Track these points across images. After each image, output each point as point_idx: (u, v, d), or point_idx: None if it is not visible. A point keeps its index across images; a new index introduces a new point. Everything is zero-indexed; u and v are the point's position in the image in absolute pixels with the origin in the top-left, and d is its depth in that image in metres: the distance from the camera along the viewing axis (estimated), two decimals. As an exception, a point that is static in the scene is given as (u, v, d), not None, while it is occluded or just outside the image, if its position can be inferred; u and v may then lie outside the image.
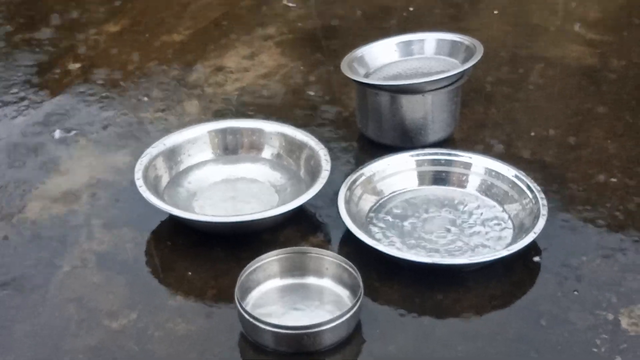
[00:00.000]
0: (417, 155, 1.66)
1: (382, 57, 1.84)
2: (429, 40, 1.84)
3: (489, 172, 1.61)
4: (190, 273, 1.48)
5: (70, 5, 2.50)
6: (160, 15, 2.42)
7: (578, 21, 2.32)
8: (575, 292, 1.42)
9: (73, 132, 1.88)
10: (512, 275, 1.46)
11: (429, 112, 1.72)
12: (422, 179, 1.65)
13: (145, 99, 2.01)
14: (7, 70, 2.13)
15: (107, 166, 1.76)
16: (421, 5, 2.46)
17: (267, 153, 1.71)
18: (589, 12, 2.37)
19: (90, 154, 1.81)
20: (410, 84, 1.70)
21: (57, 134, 1.87)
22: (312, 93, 2.01)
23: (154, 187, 1.58)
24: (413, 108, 1.71)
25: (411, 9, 2.43)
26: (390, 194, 1.62)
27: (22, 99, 2.01)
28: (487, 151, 1.71)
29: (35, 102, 2.00)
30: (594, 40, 2.23)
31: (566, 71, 2.09)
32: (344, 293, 1.40)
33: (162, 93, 2.03)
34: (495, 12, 2.40)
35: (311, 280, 1.43)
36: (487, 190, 1.61)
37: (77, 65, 2.16)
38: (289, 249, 1.43)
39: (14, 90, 2.04)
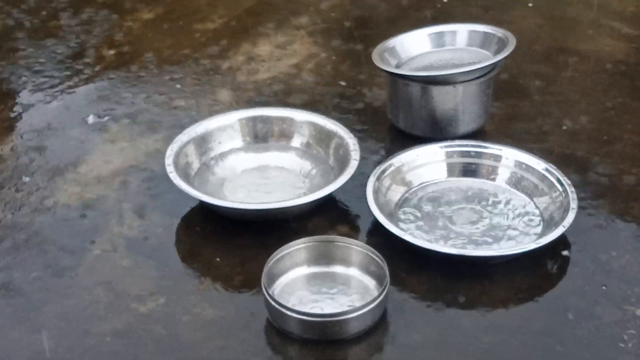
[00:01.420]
0: (447, 146, 1.65)
1: (413, 48, 1.83)
2: (461, 32, 1.84)
3: (519, 164, 1.61)
4: (218, 259, 1.49)
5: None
6: (194, 4, 2.43)
7: (613, 15, 2.30)
8: (604, 287, 1.41)
9: (106, 118, 1.90)
10: (540, 268, 1.45)
11: (459, 103, 1.71)
12: (452, 170, 1.64)
13: (178, 86, 2.02)
14: (41, 55, 2.15)
15: (139, 152, 1.78)
16: (455, -4, 2.45)
17: (296, 141, 1.71)
18: (625, 6, 2.35)
19: (122, 140, 1.82)
20: (441, 75, 1.69)
21: (91, 119, 1.89)
22: (343, 83, 2.01)
23: (185, 174, 1.60)
24: (444, 99, 1.70)
25: (445, 0, 2.42)
26: (419, 184, 1.62)
27: (56, 84, 2.03)
28: (518, 144, 1.69)
29: (69, 87, 2.02)
30: (629, 34, 2.20)
31: (600, 65, 2.07)
32: (371, 282, 1.40)
33: (194, 80, 2.04)
34: (530, 4, 2.38)
35: (338, 269, 1.43)
36: (516, 183, 1.60)
37: (111, 51, 2.18)
38: (316, 237, 1.44)
39: (48, 75, 2.07)
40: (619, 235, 1.52)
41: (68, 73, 2.07)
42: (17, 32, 2.28)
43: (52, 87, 2.02)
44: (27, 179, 1.71)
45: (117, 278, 1.45)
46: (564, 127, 1.83)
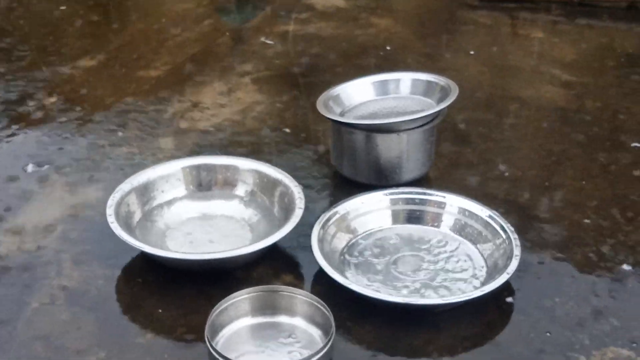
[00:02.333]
0: (392, 193, 1.65)
1: (357, 96, 1.84)
2: (405, 80, 1.85)
3: (463, 211, 1.61)
4: (160, 310, 1.46)
5: (46, 39, 2.49)
6: (138, 50, 2.42)
7: (553, 63, 2.34)
8: (548, 334, 1.41)
9: (46, 167, 1.86)
10: (485, 315, 1.45)
11: (404, 151, 1.72)
12: (396, 217, 1.64)
13: (120, 133, 2.00)
14: (-20, 103, 2.12)
15: (79, 201, 1.75)
16: (398, 44, 2.47)
17: (241, 190, 1.70)
18: (564, 54, 2.40)
19: (62, 189, 1.79)
20: (385, 123, 1.70)
21: (30, 167, 1.86)
22: (287, 130, 2.01)
23: (126, 223, 1.57)
24: (388, 147, 1.71)
25: (388, 48, 2.44)
26: (364, 232, 1.62)
27: (-5, 132, 2.00)
28: (462, 191, 1.70)
29: (9, 135, 1.98)
30: (569, 81, 2.25)
31: (541, 112, 2.10)
32: (316, 332, 1.39)
33: (137, 128, 2.02)
34: (472, 52, 2.42)
35: (283, 319, 1.41)
36: (461, 229, 1.61)
37: (52, 99, 2.15)
38: (260, 287, 1.42)
39: (-13, 122, 2.03)
40: (562, 281, 1.53)
41: (7, 120, 2.04)
42: (-45, 79, 2.24)
43: (-10, 135, 1.98)
44: (-37, 230, 1.66)
45: (57, 332, 1.41)
46: (506, 174, 1.84)
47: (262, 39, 2.50)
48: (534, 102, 2.15)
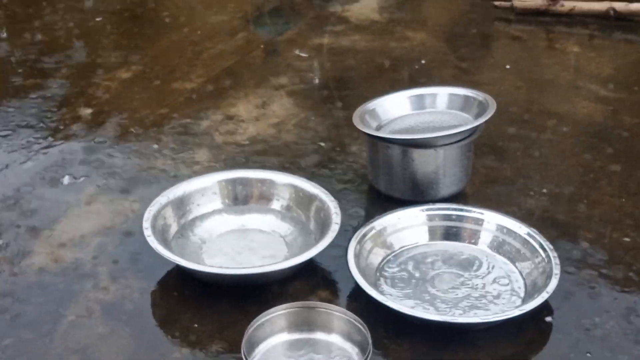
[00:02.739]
0: (429, 209, 1.64)
1: (394, 110, 1.83)
2: (442, 95, 1.84)
3: (501, 228, 1.60)
4: (196, 325, 1.46)
5: (83, 51, 2.51)
6: (172, 63, 2.43)
7: (590, 78, 2.32)
8: (588, 354, 1.39)
9: (82, 178, 1.87)
10: (524, 335, 1.43)
11: (440, 166, 1.70)
12: (433, 234, 1.63)
13: (155, 146, 2.00)
14: (17, 115, 2.13)
15: (115, 214, 1.75)
16: (433, 58, 2.46)
17: (276, 204, 1.69)
18: (601, 69, 2.37)
19: (98, 201, 1.80)
20: (422, 138, 1.69)
21: (66, 179, 1.86)
22: (322, 144, 2.00)
23: (162, 237, 1.57)
24: (425, 162, 1.70)
25: (423, 61, 2.43)
26: (400, 248, 1.61)
27: (32, 143, 2.00)
28: (498, 207, 1.69)
29: (45, 147, 1.99)
30: (607, 97, 2.22)
31: (578, 128, 2.08)
32: (353, 350, 1.37)
33: (172, 140, 2.02)
34: (507, 66, 2.40)
35: (319, 335, 1.40)
36: (498, 247, 1.59)
37: (88, 110, 2.16)
38: (296, 304, 1.41)
39: (24, 134, 2.04)
40: (602, 300, 1.51)
41: (44, 132, 2.05)
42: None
43: (27, 146, 1.99)
44: (0, 242, 1.67)
45: (92, 345, 1.41)
46: (544, 190, 1.82)
47: (297, 51, 2.50)
48: (570, 117, 2.12)
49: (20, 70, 2.36)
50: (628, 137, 2.04)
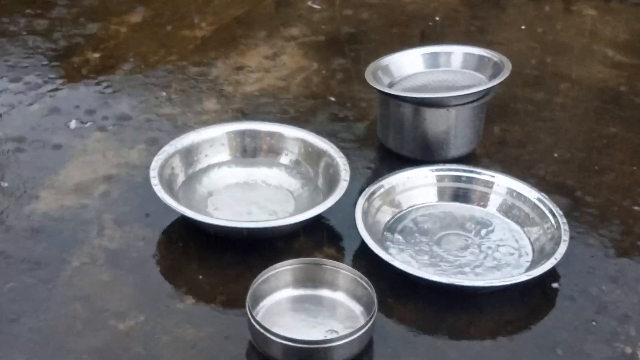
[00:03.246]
0: (438, 170, 1.62)
1: (407, 67, 1.80)
2: (456, 53, 1.81)
3: (511, 192, 1.58)
4: (200, 277, 1.45)
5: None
6: (182, 9, 2.39)
7: (605, 42, 2.28)
8: (594, 323, 1.39)
9: (89, 123, 1.85)
10: (529, 300, 1.43)
11: (452, 126, 1.68)
12: (442, 194, 1.62)
13: (164, 94, 1.98)
14: (25, 57, 2.10)
15: (122, 161, 1.74)
16: (447, 15, 2.42)
17: (285, 158, 1.68)
18: (617, 33, 2.34)
19: (105, 147, 1.78)
20: (435, 97, 1.67)
21: (73, 124, 1.84)
22: (333, 98, 1.98)
23: (169, 186, 1.56)
24: (436, 122, 1.68)
25: (437, 18, 2.40)
26: (408, 207, 1.59)
27: (39, 86, 1.98)
28: (508, 170, 1.67)
29: (52, 90, 1.97)
30: (621, 62, 2.19)
31: (591, 93, 2.05)
32: (358, 308, 1.37)
33: (181, 89, 2.00)
34: (523, 27, 2.36)
35: (324, 292, 1.40)
36: (507, 211, 1.57)
37: (96, 54, 2.13)
38: (303, 260, 1.40)
39: (31, 77, 2.02)
40: (609, 268, 1.50)
41: (52, 75, 2.02)
42: None
43: (33, 89, 1.97)
44: (5, 184, 1.65)
45: (96, 293, 1.41)
46: (555, 155, 1.80)
47: (309, 3, 2.46)
48: (584, 81, 2.09)
49: (28, 11, 2.32)
50: (642, 104, 2.01)
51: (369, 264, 1.45)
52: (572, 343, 1.35)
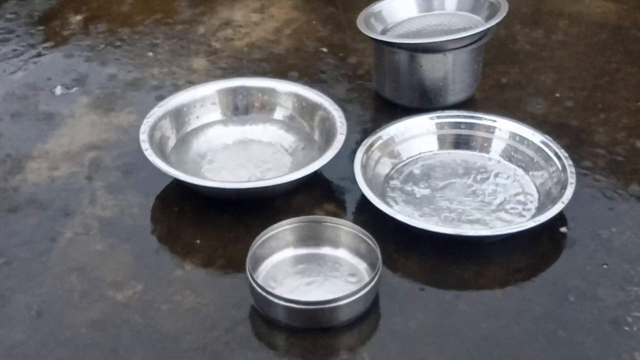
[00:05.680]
0: (438, 117, 1.57)
1: (400, 13, 1.74)
2: (451, -5, 1.75)
3: (514, 136, 1.53)
4: (198, 241, 1.41)
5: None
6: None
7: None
8: (605, 266, 1.35)
9: (75, 89, 1.79)
10: (538, 247, 1.39)
11: (450, 72, 1.63)
12: (443, 142, 1.57)
13: (150, 54, 1.92)
14: (4, 23, 2.04)
15: (110, 125, 1.68)
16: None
17: (279, 114, 1.62)
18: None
19: (92, 112, 1.72)
20: (431, 42, 1.61)
21: (58, 90, 1.79)
22: (325, 50, 1.92)
23: (160, 149, 1.50)
24: (433, 68, 1.62)
25: (428, -40, 2.32)
26: (408, 158, 1.54)
27: (21, 52, 1.92)
28: (509, 113, 1.62)
29: (35, 55, 1.91)
30: (620, -5, 2.13)
31: (592, 28, 1.99)
32: (361, 265, 1.33)
33: (167, 48, 1.94)
34: (516, -36, 2.29)
35: (326, 250, 1.36)
36: (511, 156, 1.53)
37: (79, 17, 2.07)
38: (303, 218, 1.36)
39: (12, 43, 1.95)
40: (619, 209, 1.46)
41: (32, 41, 1.96)
42: (-22, -3, 2.16)
43: (16, 56, 1.91)
44: (-9, 156, 1.61)
45: (92, 263, 1.36)
46: (557, 95, 1.75)
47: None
48: (584, 17, 2.03)
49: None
50: (643, 38, 1.95)
51: (371, 218, 1.41)
52: (584, 289, 1.31)
